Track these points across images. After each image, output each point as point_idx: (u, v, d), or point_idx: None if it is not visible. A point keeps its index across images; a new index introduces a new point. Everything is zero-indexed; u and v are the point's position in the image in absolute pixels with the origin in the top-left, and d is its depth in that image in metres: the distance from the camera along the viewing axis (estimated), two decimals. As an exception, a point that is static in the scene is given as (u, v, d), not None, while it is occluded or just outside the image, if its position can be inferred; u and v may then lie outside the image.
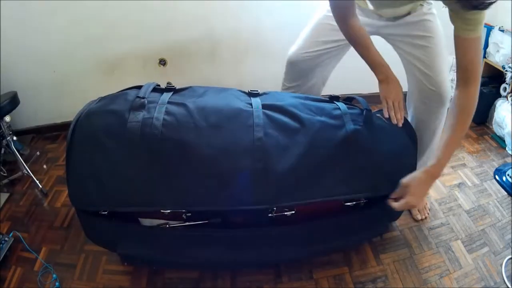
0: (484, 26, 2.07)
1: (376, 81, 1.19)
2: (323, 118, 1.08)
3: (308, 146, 1.03)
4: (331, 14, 1.16)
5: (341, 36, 1.18)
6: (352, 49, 1.23)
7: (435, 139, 1.35)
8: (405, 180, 1.03)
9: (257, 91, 1.15)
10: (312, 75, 1.41)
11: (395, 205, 1.02)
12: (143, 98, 1.05)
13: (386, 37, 1.31)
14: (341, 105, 1.15)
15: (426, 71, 1.22)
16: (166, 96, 1.08)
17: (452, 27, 0.96)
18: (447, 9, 0.95)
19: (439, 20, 1.21)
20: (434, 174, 1.02)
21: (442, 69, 1.25)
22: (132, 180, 0.99)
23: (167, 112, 1.01)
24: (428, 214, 1.49)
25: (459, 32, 0.94)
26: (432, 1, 1.19)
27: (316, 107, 1.12)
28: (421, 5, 1.18)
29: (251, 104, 1.07)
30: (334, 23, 1.17)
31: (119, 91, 1.15)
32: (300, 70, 1.39)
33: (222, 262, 1.12)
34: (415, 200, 1.02)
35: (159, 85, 1.16)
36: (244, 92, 1.16)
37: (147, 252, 1.08)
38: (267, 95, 1.15)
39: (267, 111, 1.05)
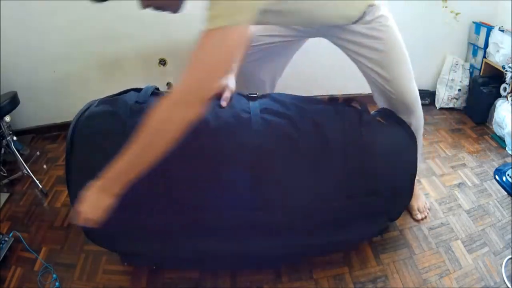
0: (484, 26, 2.08)
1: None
2: (321, 121, 1.07)
3: (307, 150, 1.03)
4: None
5: (280, 31, 1.21)
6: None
7: None
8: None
9: (256, 94, 1.15)
10: (257, 77, 1.41)
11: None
12: (143, 103, 1.05)
13: (331, 39, 1.25)
14: (340, 107, 1.15)
15: (383, 76, 1.18)
16: None
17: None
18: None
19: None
20: (101, 184, 0.83)
21: (402, 76, 1.18)
22: (131, 184, 0.99)
23: None
24: (428, 214, 1.49)
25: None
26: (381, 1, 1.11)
27: (315, 110, 1.12)
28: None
29: (249, 109, 1.07)
30: None
31: (118, 93, 1.15)
32: (241, 73, 1.35)
33: (222, 255, 1.12)
34: (84, 209, 0.83)
35: (158, 89, 1.16)
36: (243, 95, 1.16)
37: (147, 248, 1.08)
38: (266, 98, 1.14)
39: (266, 116, 1.05)
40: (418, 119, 1.30)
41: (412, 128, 1.25)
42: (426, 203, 1.51)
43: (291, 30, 1.29)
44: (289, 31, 1.29)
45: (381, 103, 1.36)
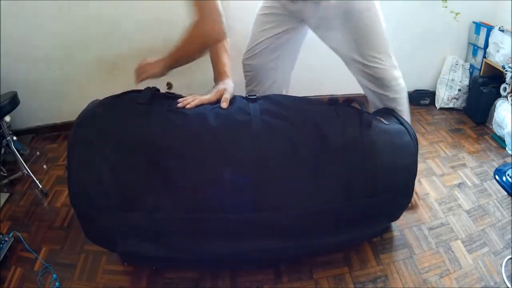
0: (484, 26, 2.08)
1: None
2: (321, 122, 1.07)
3: (307, 151, 1.03)
4: (265, 4, 1.32)
5: (273, 23, 1.30)
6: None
7: None
8: None
9: (255, 96, 1.15)
10: (268, 73, 1.44)
11: None
12: (142, 104, 1.05)
13: (312, 26, 1.31)
14: (340, 108, 1.15)
15: (355, 55, 1.23)
16: (166, 103, 1.08)
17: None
18: None
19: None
20: (162, 58, 1.17)
21: (375, 48, 1.23)
22: (132, 186, 1.00)
23: (167, 120, 1.01)
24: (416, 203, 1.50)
25: None
26: None
27: (315, 111, 1.12)
28: None
29: (250, 110, 1.07)
30: (268, 11, 1.29)
31: (118, 94, 1.15)
32: (253, 68, 1.43)
33: (222, 255, 1.12)
34: (145, 65, 1.18)
35: (158, 90, 1.16)
36: (243, 97, 1.16)
37: (147, 248, 1.08)
38: (266, 100, 1.15)
39: (266, 118, 1.05)
40: (399, 101, 1.32)
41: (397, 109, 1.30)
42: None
43: (282, 17, 1.33)
44: (281, 20, 1.33)
45: (365, 91, 1.38)
